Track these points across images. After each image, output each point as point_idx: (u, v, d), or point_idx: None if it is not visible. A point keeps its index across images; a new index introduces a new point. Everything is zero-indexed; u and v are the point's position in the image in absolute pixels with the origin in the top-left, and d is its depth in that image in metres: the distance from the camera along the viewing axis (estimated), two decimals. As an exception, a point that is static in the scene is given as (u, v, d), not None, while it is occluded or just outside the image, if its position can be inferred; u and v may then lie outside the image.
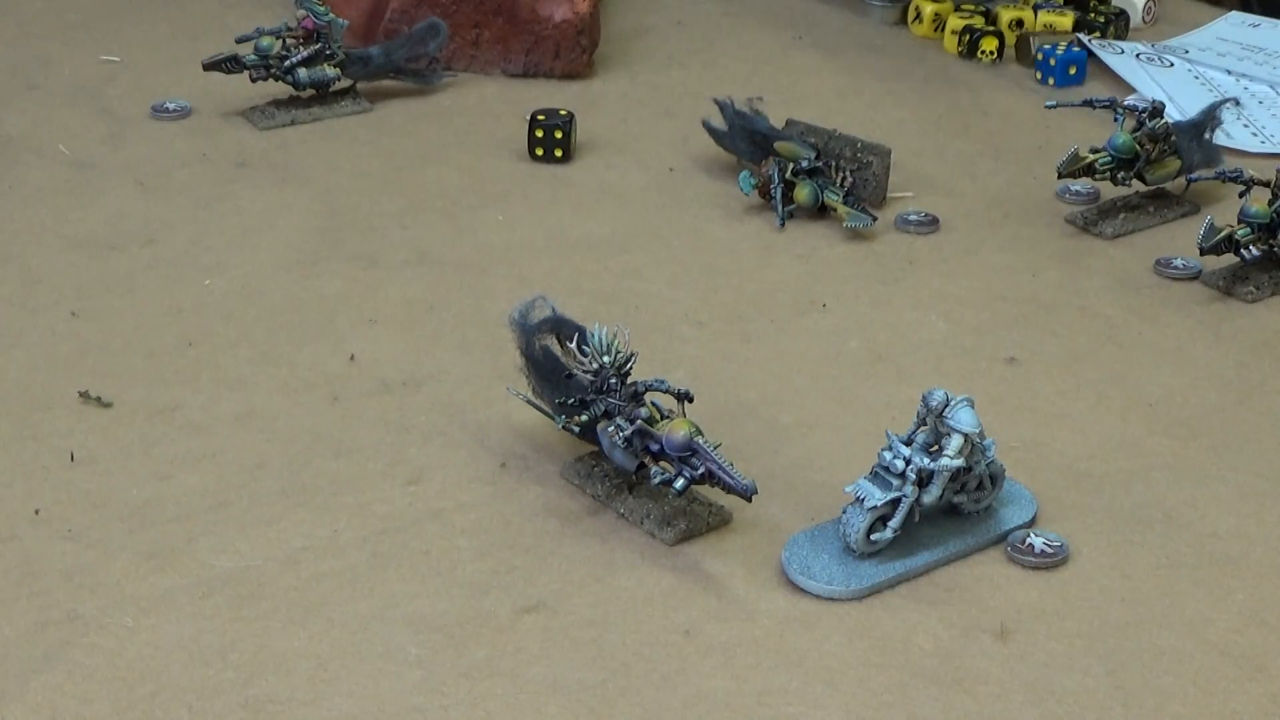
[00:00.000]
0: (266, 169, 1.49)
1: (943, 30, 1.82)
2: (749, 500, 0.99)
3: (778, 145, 1.44)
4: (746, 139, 1.48)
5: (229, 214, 1.41)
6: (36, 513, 1.03)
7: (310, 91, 1.60)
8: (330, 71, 1.59)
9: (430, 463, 1.09)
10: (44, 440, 1.10)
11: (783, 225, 1.41)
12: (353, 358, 1.20)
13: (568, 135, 1.50)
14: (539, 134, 1.50)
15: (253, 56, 1.57)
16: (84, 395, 1.14)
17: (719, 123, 1.51)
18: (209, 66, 1.57)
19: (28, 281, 1.29)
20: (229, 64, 1.57)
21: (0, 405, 1.14)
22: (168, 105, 1.59)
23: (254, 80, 1.57)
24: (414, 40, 1.64)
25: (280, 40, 1.57)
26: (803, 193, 1.41)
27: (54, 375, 1.17)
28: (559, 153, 1.50)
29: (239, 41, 1.58)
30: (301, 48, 1.58)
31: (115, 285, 1.29)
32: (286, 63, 1.57)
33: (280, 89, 1.59)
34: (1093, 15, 1.83)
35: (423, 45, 1.64)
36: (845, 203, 1.40)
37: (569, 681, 0.91)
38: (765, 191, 1.43)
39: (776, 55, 1.79)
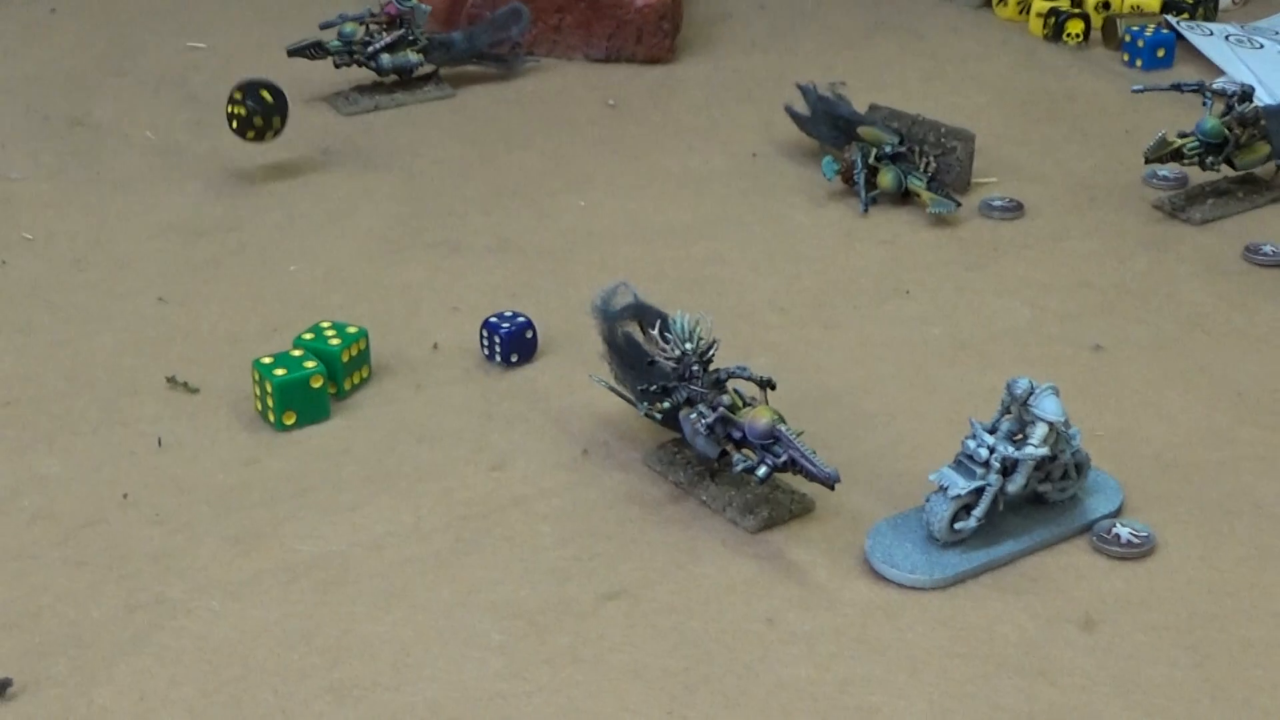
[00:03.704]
0: (350, 155, 1.50)
1: (1028, 13, 1.81)
2: (831, 488, 0.98)
3: (861, 130, 1.43)
4: (829, 124, 1.47)
5: (313, 200, 1.42)
6: (125, 497, 1.04)
7: (393, 77, 1.60)
8: (413, 57, 1.60)
9: (513, 449, 1.09)
10: (132, 425, 1.11)
11: (866, 211, 1.40)
12: (436, 346, 1.20)
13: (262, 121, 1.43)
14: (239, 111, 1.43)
15: (336, 42, 1.58)
16: (171, 381, 1.15)
17: (802, 108, 1.50)
18: (293, 53, 1.58)
19: (116, 266, 1.31)
20: (313, 50, 1.58)
21: (89, 390, 1.15)
22: (253, 91, 1.60)
23: (338, 66, 1.58)
24: (496, 25, 1.64)
25: (364, 26, 1.58)
26: (886, 178, 1.40)
27: (142, 360, 1.18)
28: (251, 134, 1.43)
29: (323, 28, 1.59)
30: (385, 33, 1.58)
31: (201, 271, 1.30)
32: (370, 48, 1.58)
33: (364, 75, 1.60)
34: (1181, -3, 1.82)
35: (505, 30, 1.64)
36: (929, 188, 1.39)
37: (651, 669, 0.91)
38: (848, 177, 1.42)
39: (859, 39, 1.78)
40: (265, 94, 1.42)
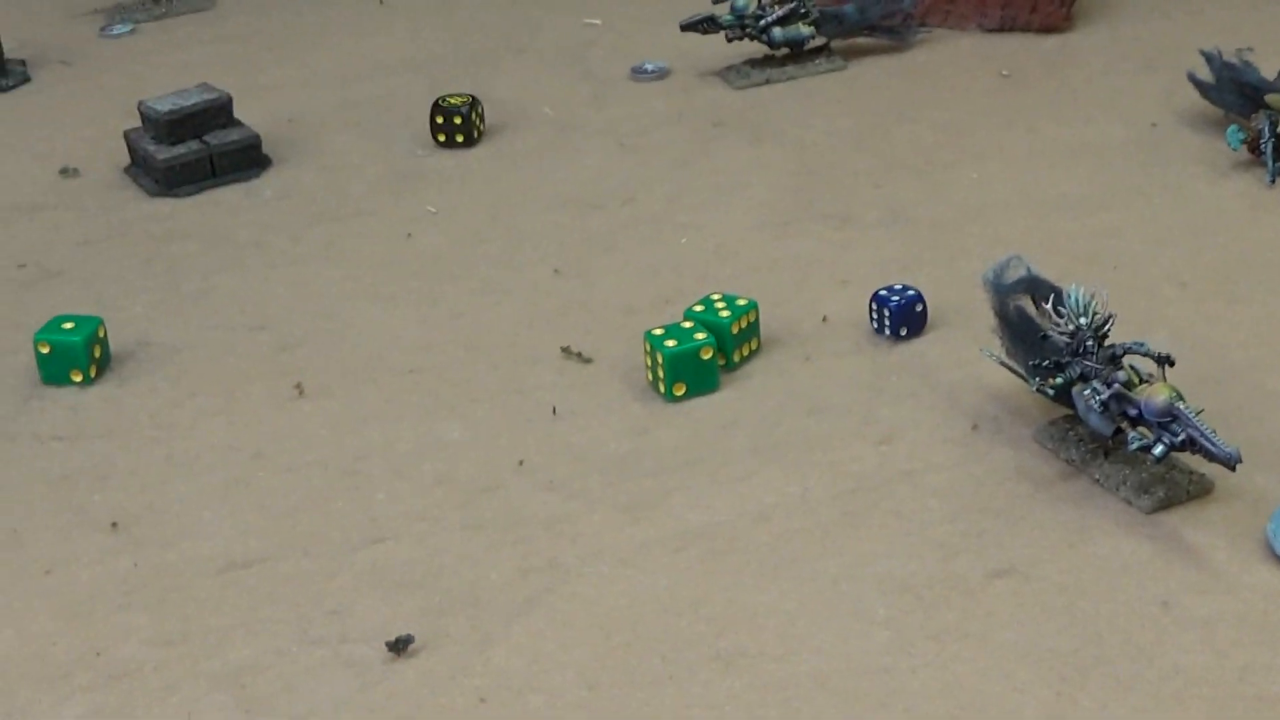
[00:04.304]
0: (741, 128, 1.51)
1: None
2: (1232, 469, 0.95)
3: (1269, 98, 1.37)
4: (1235, 91, 1.42)
5: (704, 173, 1.43)
6: (521, 464, 1.07)
7: (785, 50, 1.61)
8: (805, 30, 1.60)
9: (902, 422, 1.09)
10: (529, 394, 1.14)
11: (1273, 182, 1.35)
12: (825, 318, 1.20)
13: (468, 121, 1.48)
14: (439, 120, 1.48)
15: (729, 16, 1.59)
16: (566, 351, 1.18)
17: (1205, 75, 1.45)
18: (686, 27, 1.60)
19: (515, 239, 1.34)
20: (706, 24, 1.59)
21: (488, 359, 1.18)
22: (646, 66, 1.63)
23: (730, 40, 1.59)
24: (889, -3, 1.63)
25: (756, 0, 1.59)
26: (1295, 147, 1.35)
27: (538, 330, 1.21)
28: (460, 138, 1.48)
29: (715, 2, 1.60)
30: (777, 7, 1.59)
31: (596, 243, 1.33)
32: (762, 22, 1.58)
33: (755, 48, 1.61)
34: None
35: (897, 2, 1.63)
36: (1342, 157, 1.33)
37: (1040, 649, 0.90)
38: (1255, 147, 1.37)
39: (1269, 2, 1.70)
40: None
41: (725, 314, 1.15)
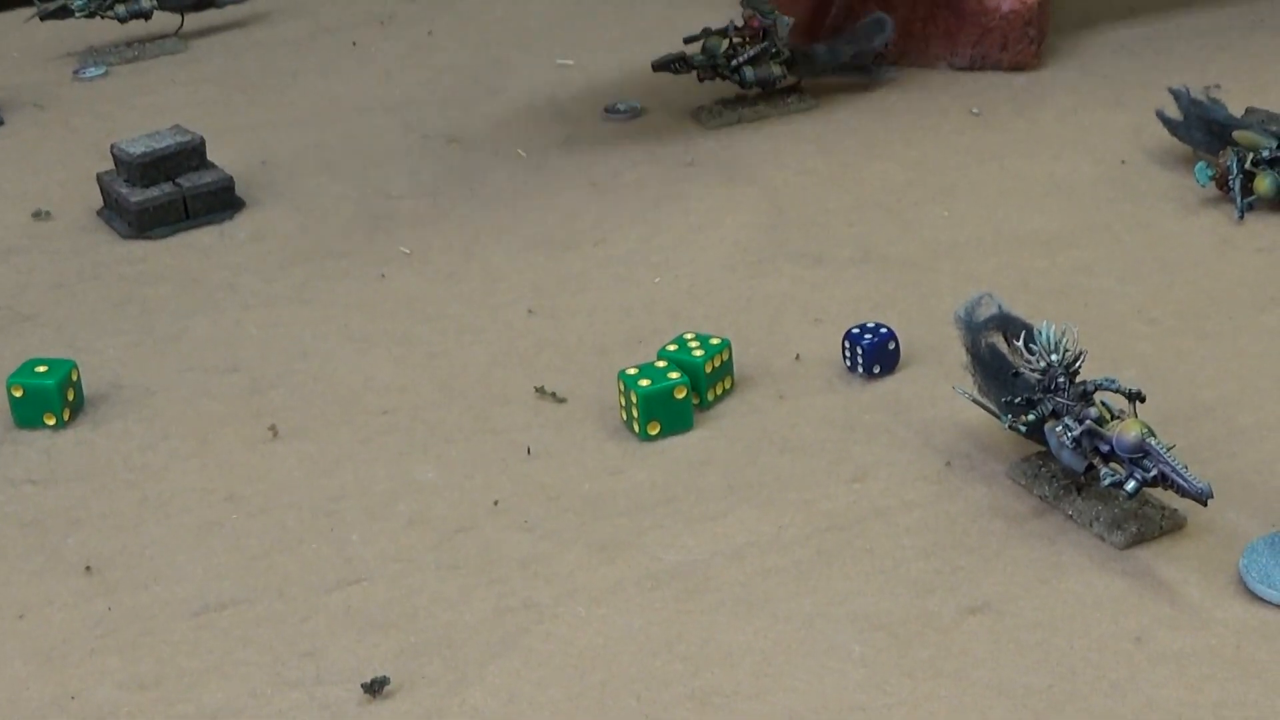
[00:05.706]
0: (713, 168, 1.51)
1: None
2: (1204, 504, 0.95)
3: (1236, 134, 1.38)
4: (1203, 129, 1.43)
5: (677, 213, 1.43)
6: (495, 504, 1.07)
7: (756, 90, 1.62)
8: (776, 70, 1.60)
9: (875, 460, 1.09)
10: (503, 434, 1.14)
11: (1241, 218, 1.36)
12: (798, 357, 1.21)
13: None
14: None
15: (701, 57, 1.59)
16: (540, 391, 1.18)
17: (1174, 113, 1.46)
18: (658, 67, 1.60)
19: (488, 280, 1.35)
20: (677, 64, 1.60)
21: (462, 399, 1.19)
22: (619, 107, 1.63)
23: (702, 80, 1.60)
24: (860, 36, 1.64)
25: (727, 40, 1.60)
26: (1263, 184, 1.35)
27: (512, 371, 1.22)
28: None
29: (687, 42, 1.61)
30: (748, 47, 1.59)
31: (569, 283, 1.33)
32: (734, 62, 1.59)
33: (727, 88, 1.62)
34: None
35: (868, 41, 1.64)
36: (1310, 194, 1.34)
37: (1014, 685, 0.90)
38: (1223, 183, 1.38)
39: (1236, 40, 1.72)
40: None
41: (698, 353, 1.15)
